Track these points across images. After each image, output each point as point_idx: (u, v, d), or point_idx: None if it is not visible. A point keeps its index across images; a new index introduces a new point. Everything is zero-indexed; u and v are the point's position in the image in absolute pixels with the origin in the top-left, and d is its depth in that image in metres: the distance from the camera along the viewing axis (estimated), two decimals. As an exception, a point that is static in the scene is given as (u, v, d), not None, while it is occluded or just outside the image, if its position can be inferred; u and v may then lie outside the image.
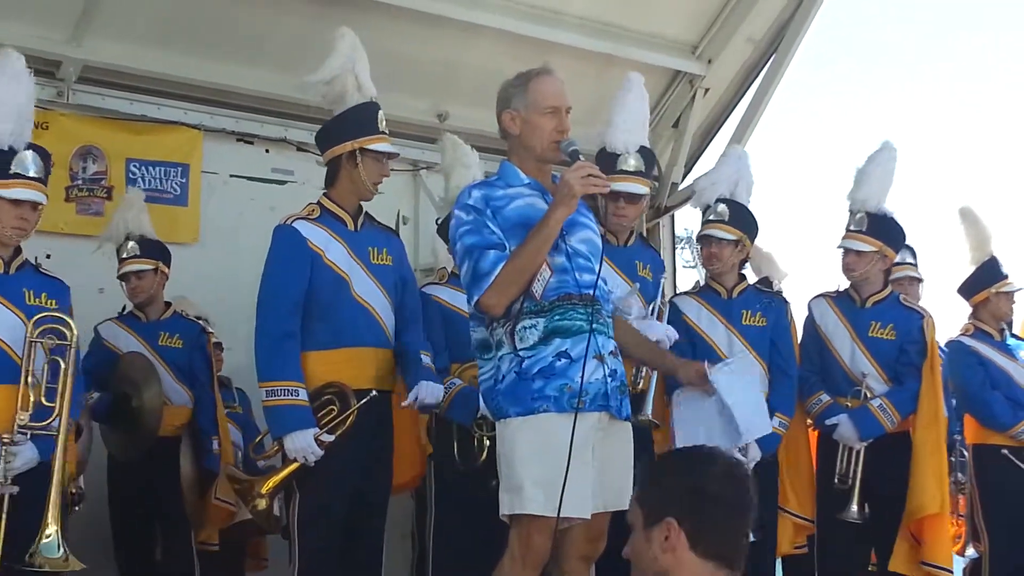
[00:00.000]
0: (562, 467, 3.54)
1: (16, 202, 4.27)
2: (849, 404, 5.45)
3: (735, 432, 4.07)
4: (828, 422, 5.39)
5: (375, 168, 4.59)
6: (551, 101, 3.85)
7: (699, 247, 5.58)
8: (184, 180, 6.77)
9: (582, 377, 3.63)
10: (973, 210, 6.17)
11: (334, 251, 4.50)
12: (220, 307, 6.51)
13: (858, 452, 5.39)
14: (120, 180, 6.58)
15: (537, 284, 3.72)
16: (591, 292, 3.77)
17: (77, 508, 5.48)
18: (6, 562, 3.98)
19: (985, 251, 6.16)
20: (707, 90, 8.09)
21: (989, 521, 5.88)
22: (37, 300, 4.26)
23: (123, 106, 6.65)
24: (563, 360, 3.69)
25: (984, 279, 6.12)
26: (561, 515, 3.58)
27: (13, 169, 4.27)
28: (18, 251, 4.38)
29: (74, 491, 5.38)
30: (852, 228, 5.49)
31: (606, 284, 3.89)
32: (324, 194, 4.68)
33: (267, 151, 7.17)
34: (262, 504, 4.48)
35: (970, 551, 5.84)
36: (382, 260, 4.65)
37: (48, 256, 6.33)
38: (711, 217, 5.44)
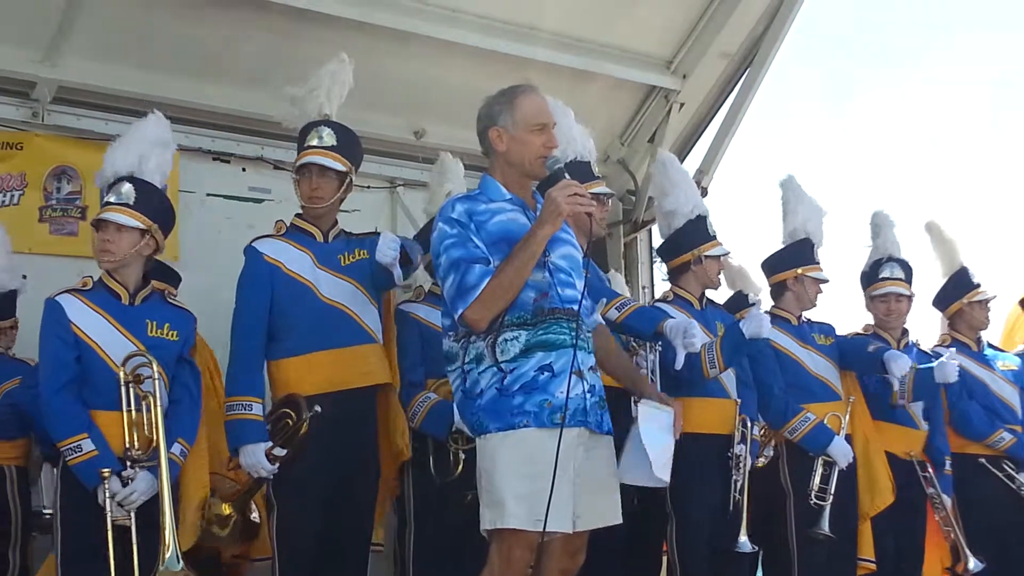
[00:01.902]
0: (542, 482, 3.56)
1: (100, 224, 4.35)
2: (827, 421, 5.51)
3: (647, 469, 3.89)
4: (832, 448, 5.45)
5: (305, 184, 4.77)
6: (539, 118, 3.88)
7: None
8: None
9: (567, 392, 3.64)
10: (938, 223, 6.21)
11: (295, 262, 4.64)
12: (199, 327, 6.51)
13: (837, 469, 5.45)
14: (95, 200, 6.53)
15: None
16: (573, 307, 3.78)
17: None
18: None
19: (955, 262, 6.20)
20: (682, 105, 8.11)
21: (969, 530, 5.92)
22: (159, 331, 4.34)
23: (98, 126, 6.63)
24: (545, 374, 3.69)
25: (956, 290, 6.17)
26: (550, 530, 3.59)
27: (105, 199, 4.40)
28: (146, 282, 4.42)
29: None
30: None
31: (587, 300, 3.90)
32: (297, 214, 4.84)
33: (244, 170, 7.15)
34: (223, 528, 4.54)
35: (972, 563, 5.82)
36: (355, 258, 4.75)
37: (24, 277, 6.35)
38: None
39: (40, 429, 5.34)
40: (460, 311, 3.72)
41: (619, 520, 3.86)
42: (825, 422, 5.52)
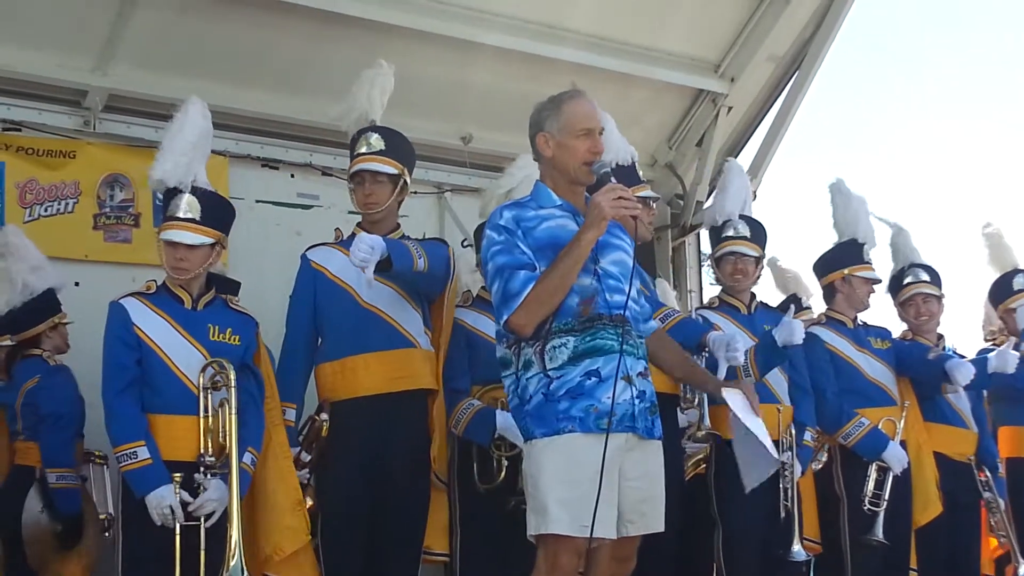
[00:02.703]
0: (586, 487, 3.54)
1: (171, 244, 4.33)
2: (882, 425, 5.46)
3: (765, 455, 3.92)
4: (886, 454, 5.40)
5: (359, 191, 4.78)
6: (584, 123, 3.84)
7: (717, 263, 5.57)
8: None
9: (613, 398, 3.62)
10: (996, 229, 6.12)
11: (341, 267, 4.64)
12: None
13: (892, 475, 5.40)
14: (147, 207, 6.61)
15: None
16: (621, 313, 3.75)
17: (107, 534, 5.51)
18: None
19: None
20: (730, 108, 8.07)
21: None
22: (221, 336, 4.33)
23: (149, 134, 6.66)
24: (592, 379, 3.67)
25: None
26: (598, 536, 3.57)
27: (169, 211, 4.38)
28: (209, 287, 4.44)
29: (103, 516, 5.41)
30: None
31: (637, 305, 3.87)
32: (357, 223, 4.85)
33: (292, 176, 7.17)
34: None
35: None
36: None
37: (77, 284, 6.42)
38: (732, 234, 5.45)
39: (44, 428, 5.42)
40: (505, 317, 3.71)
41: (661, 528, 3.81)
42: (880, 427, 5.45)
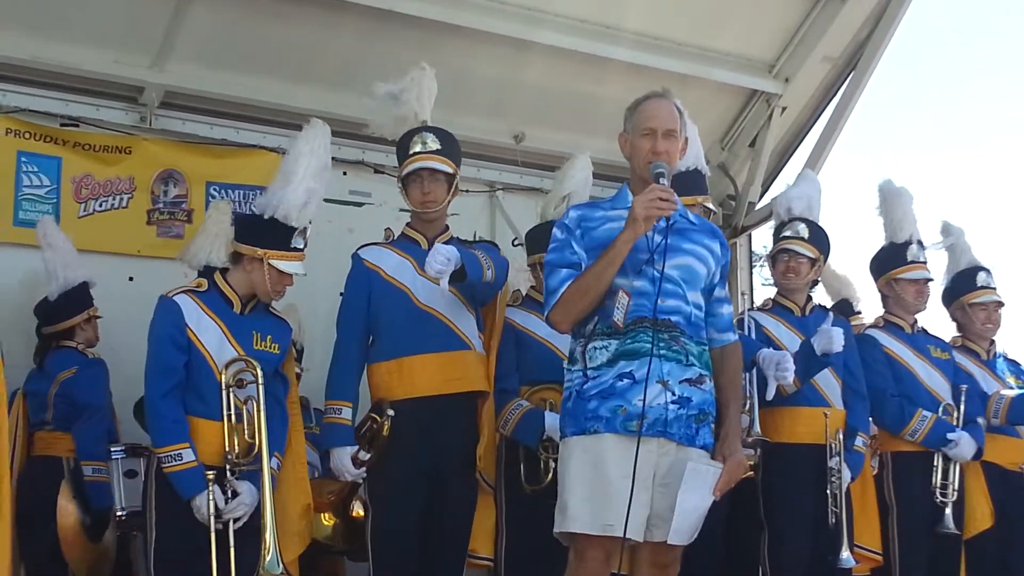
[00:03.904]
0: (607, 487, 3.58)
1: (285, 273, 4.41)
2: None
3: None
4: (950, 436, 5.31)
5: (416, 189, 4.74)
6: (649, 123, 3.85)
7: (772, 261, 5.50)
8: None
9: (644, 400, 3.60)
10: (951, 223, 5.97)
11: (395, 267, 4.64)
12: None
13: (961, 467, 5.34)
14: (200, 203, 6.65)
15: (617, 311, 3.69)
16: (669, 318, 3.71)
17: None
18: None
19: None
20: (784, 109, 8.00)
21: None
22: (263, 344, 4.37)
23: (203, 130, 6.74)
24: (625, 381, 3.66)
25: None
26: (609, 534, 3.57)
27: (293, 244, 4.43)
28: (253, 294, 4.46)
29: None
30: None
31: (700, 311, 3.82)
32: (407, 224, 4.83)
33: (344, 173, 7.16)
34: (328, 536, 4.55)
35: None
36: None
37: (130, 279, 6.48)
38: (790, 234, 5.38)
39: (82, 421, 5.48)
40: (546, 313, 3.81)
41: (685, 541, 3.74)
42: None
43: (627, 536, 3.57)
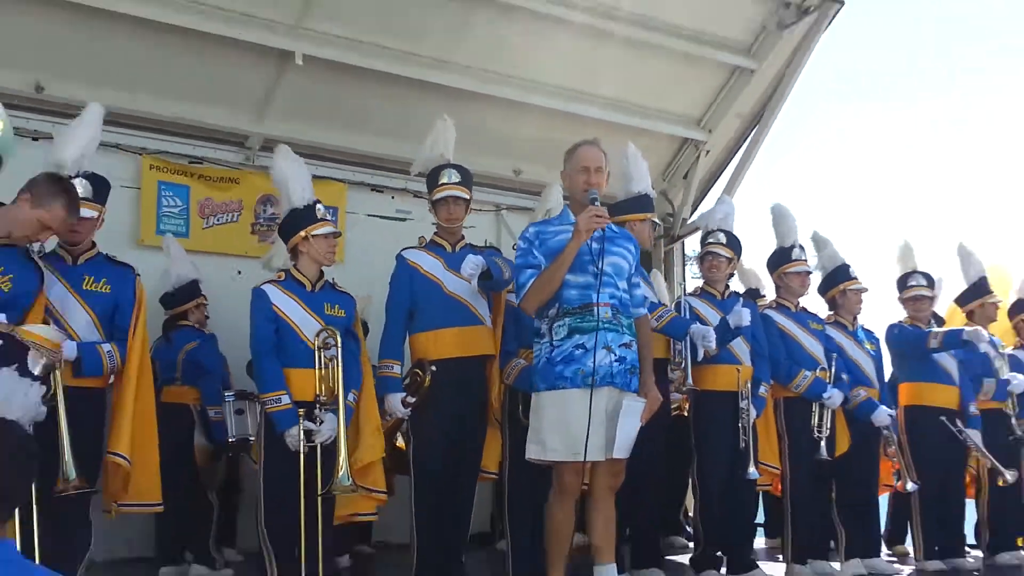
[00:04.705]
0: (575, 427, 3.58)
1: (325, 236, 4.30)
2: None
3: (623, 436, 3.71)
4: (825, 394, 5.25)
5: (444, 211, 4.64)
6: (583, 163, 3.87)
7: (700, 261, 5.45)
8: (334, 218, 6.72)
9: (594, 362, 3.61)
10: (819, 233, 5.86)
11: (429, 265, 4.58)
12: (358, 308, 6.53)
13: (832, 412, 5.29)
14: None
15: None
16: (607, 301, 3.72)
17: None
18: (323, 491, 4.03)
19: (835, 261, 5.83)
20: (708, 151, 7.97)
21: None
22: (332, 310, 4.27)
23: (294, 168, 6.70)
24: (580, 350, 3.66)
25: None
26: (578, 460, 3.58)
27: (319, 216, 4.33)
28: (321, 275, 4.35)
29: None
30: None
31: (627, 295, 3.82)
32: (435, 233, 4.76)
33: (392, 197, 7.15)
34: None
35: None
36: None
37: (239, 272, 6.46)
38: (712, 240, 5.33)
39: (205, 378, 5.49)
40: (517, 301, 3.85)
41: (626, 455, 3.74)
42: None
43: (589, 459, 3.60)
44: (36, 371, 3.32)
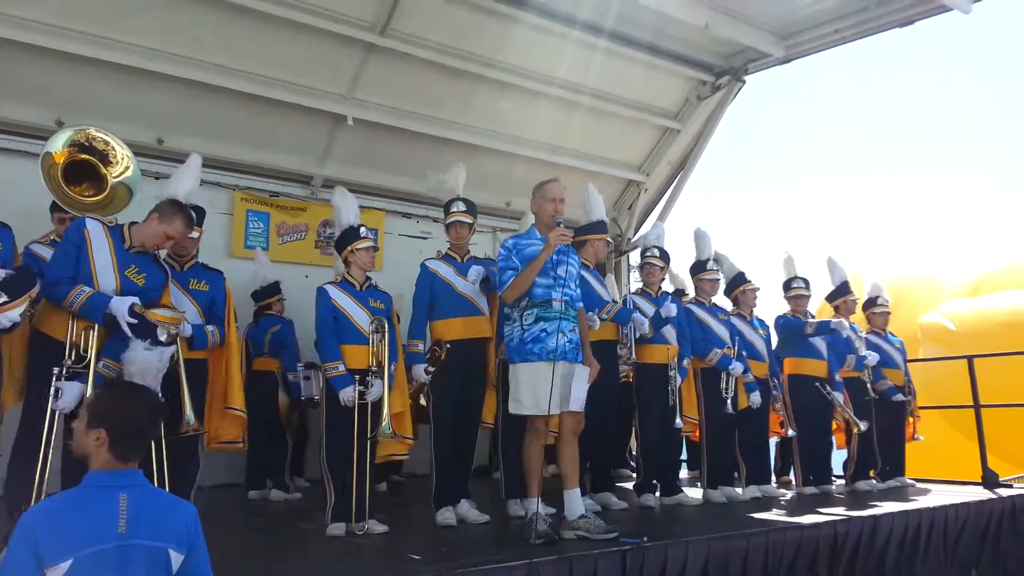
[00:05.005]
0: (542, 390, 3.61)
1: (366, 249, 4.28)
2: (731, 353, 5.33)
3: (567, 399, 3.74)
4: (731, 366, 5.25)
5: (454, 232, 4.60)
6: (550, 195, 3.87)
7: (640, 269, 5.45)
8: (374, 237, 6.64)
9: (556, 343, 3.65)
10: (719, 252, 5.80)
11: (444, 271, 4.54)
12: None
13: (735, 378, 5.31)
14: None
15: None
16: (564, 299, 3.74)
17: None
18: (370, 435, 4.01)
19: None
20: (646, 189, 8.00)
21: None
22: (375, 303, 4.23)
23: (345, 200, 6.69)
24: (544, 333, 3.69)
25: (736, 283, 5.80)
26: (544, 413, 3.62)
27: (361, 235, 4.30)
28: (367, 279, 4.31)
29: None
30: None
31: (575, 294, 3.83)
32: (448, 248, 4.72)
33: (417, 221, 7.15)
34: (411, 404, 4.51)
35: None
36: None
37: (307, 276, 6.45)
38: (649, 254, 5.34)
39: (285, 352, 5.52)
40: (500, 293, 3.82)
41: (581, 409, 3.75)
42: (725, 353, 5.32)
43: (552, 412, 3.63)
44: (163, 339, 3.32)
